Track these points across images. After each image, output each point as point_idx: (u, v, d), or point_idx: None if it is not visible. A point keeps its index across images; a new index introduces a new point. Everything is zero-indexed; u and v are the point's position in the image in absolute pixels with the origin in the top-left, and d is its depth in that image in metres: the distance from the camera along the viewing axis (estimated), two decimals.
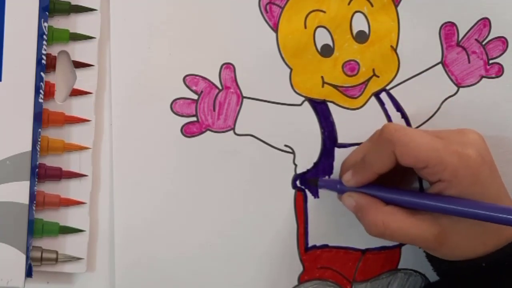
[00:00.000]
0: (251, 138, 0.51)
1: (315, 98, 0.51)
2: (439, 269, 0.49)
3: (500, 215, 0.43)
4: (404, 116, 0.52)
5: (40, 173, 0.48)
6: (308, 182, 0.52)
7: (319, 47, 0.51)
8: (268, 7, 0.50)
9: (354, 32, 0.51)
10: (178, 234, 0.51)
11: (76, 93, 0.49)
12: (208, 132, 0.50)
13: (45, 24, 0.47)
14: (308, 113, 0.51)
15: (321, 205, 0.52)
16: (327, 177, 0.51)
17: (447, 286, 0.49)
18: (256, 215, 0.51)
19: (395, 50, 0.51)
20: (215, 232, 0.51)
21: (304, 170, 0.52)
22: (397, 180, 0.49)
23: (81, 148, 0.49)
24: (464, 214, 0.44)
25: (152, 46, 0.49)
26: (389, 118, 0.52)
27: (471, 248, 0.46)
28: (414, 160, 0.45)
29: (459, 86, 0.52)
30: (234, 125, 0.51)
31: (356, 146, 0.51)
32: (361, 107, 0.52)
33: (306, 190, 0.52)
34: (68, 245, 0.49)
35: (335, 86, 0.51)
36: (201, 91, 0.50)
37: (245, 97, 0.50)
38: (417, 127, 0.52)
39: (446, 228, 0.45)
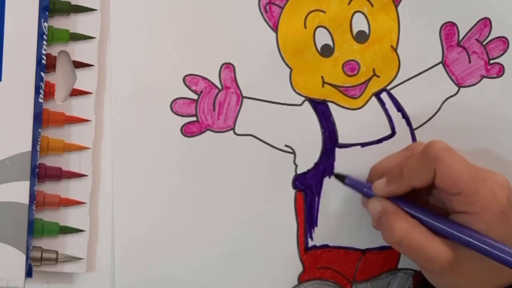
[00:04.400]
0: (251, 138, 0.51)
1: (315, 98, 0.51)
2: None
3: None
4: (404, 116, 0.52)
5: (40, 173, 0.48)
6: (335, 176, 0.51)
7: (319, 47, 0.51)
8: (268, 7, 0.50)
9: (354, 32, 0.51)
10: (177, 233, 0.51)
11: (76, 93, 0.49)
12: (208, 132, 0.50)
13: (45, 24, 0.47)
14: (308, 113, 0.51)
15: (321, 205, 0.52)
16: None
17: None
18: (256, 215, 0.51)
19: (395, 50, 0.51)
20: (215, 232, 0.51)
21: (305, 170, 0.52)
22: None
23: (81, 148, 0.49)
24: (488, 253, 0.44)
25: (152, 46, 0.49)
26: (389, 118, 0.52)
27: (478, 283, 0.46)
28: (452, 183, 0.45)
29: (459, 86, 0.52)
30: (234, 125, 0.51)
31: (357, 146, 0.51)
32: (361, 107, 0.52)
33: (306, 190, 0.52)
34: (68, 245, 0.49)
35: (335, 86, 0.51)
36: (201, 91, 0.50)
37: (245, 97, 0.50)
38: (418, 127, 0.52)
39: (462, 258, 0.45)
